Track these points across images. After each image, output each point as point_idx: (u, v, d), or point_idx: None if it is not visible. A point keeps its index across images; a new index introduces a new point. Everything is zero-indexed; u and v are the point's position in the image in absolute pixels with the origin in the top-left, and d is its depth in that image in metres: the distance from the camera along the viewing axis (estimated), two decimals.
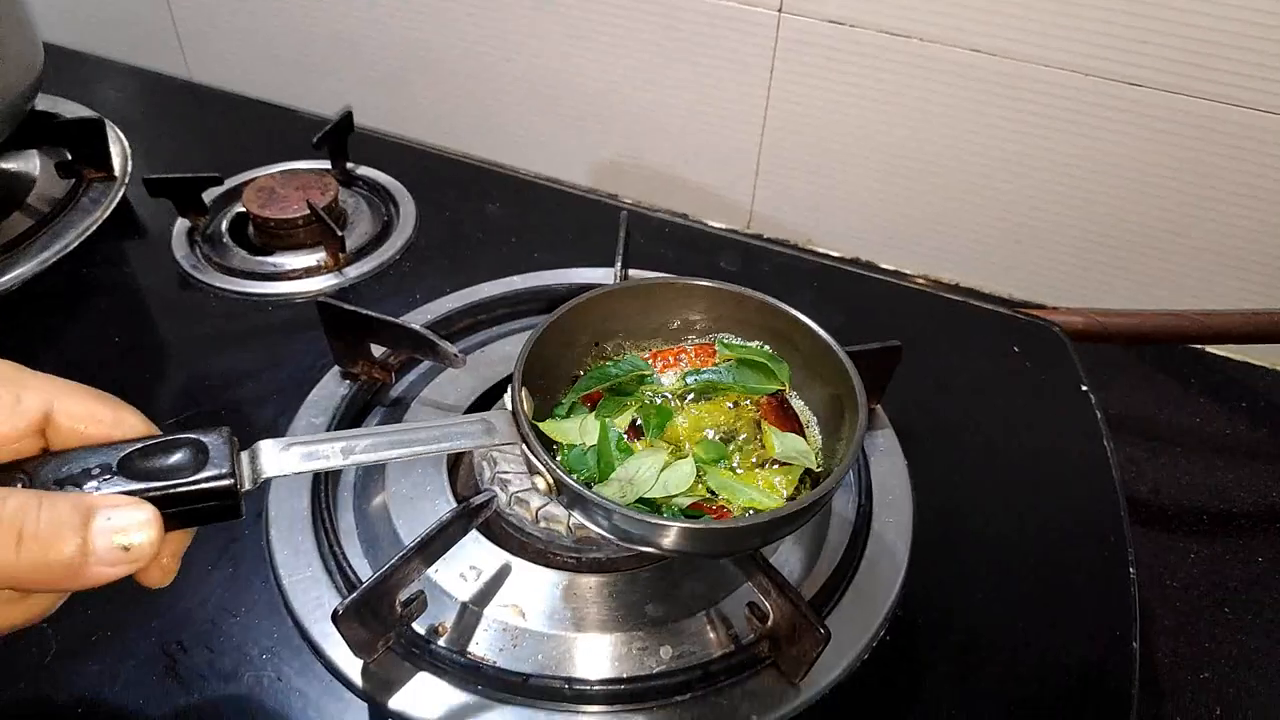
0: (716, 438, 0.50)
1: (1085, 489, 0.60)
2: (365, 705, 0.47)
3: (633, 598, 0.50)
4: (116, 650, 0.49)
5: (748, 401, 0.52)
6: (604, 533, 0.44)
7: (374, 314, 0.59)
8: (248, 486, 0.38)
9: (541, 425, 0.48)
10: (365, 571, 0.51)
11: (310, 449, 0.41)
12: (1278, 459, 0.77)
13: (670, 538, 0.42)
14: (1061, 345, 0.70)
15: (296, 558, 0.53)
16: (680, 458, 0.48)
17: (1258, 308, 0.74)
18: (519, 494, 0.55)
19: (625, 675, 0.47)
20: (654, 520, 0.42)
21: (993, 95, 0.80)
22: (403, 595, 0.47)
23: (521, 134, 1.03)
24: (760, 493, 0.47)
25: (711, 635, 0.49)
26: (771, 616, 0.47)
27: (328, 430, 0.59)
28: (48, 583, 0.32)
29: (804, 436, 0.51)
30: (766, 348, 0.54)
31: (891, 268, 0.94)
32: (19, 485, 0.34)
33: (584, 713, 0.47)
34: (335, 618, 0.44)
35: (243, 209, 0.76)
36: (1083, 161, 0.80)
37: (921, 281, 0.92)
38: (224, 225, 0.78)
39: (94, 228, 0.77)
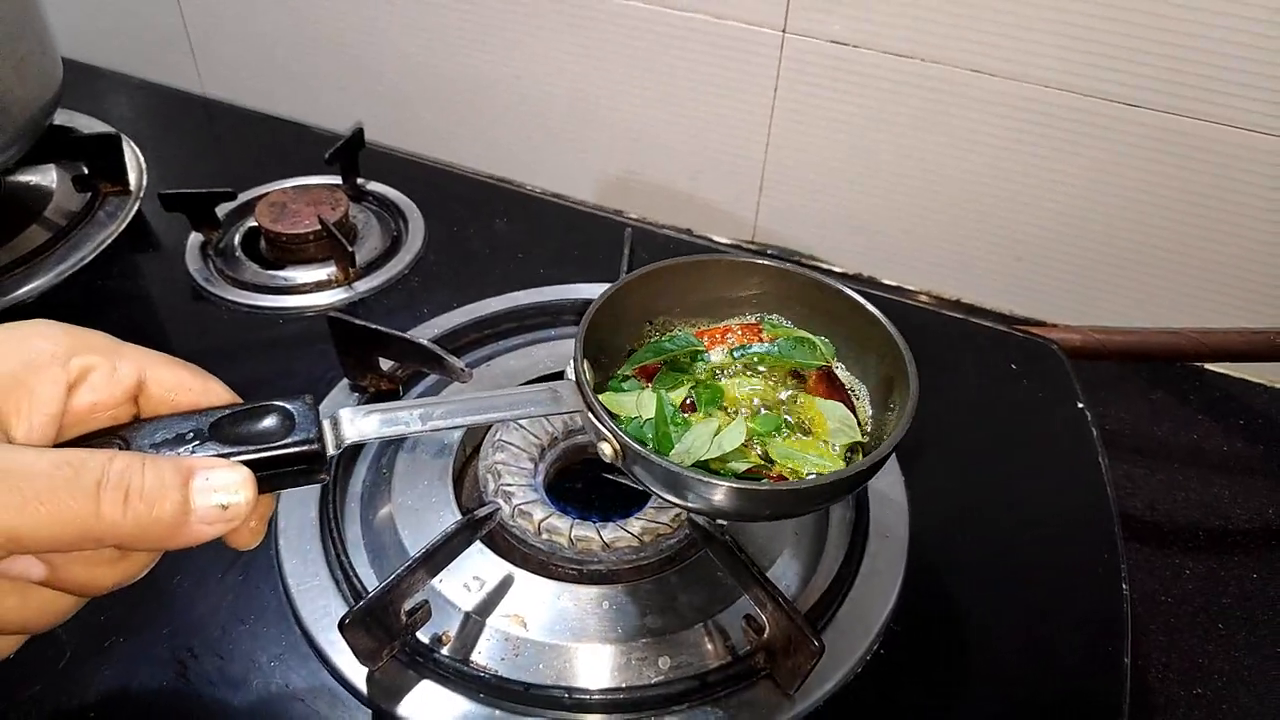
0: (765, 410, 0.51)
1: (1080, 506, 0.61)
2: (370, 712, 0.48)
3: (632, 609, 0.52)
4: (130, 655, 0.50)
5: (796, 375, 0.53)
6: (669, 496, 0.45)
7: (383, 328, 0.61)
8: (332, 451, 0.40)
9: (601, 398, 0.49)
10: (371, 581, 0.53)
11: (388, 415, 0.42)
12: (1275, 476, 0.77)
13: (731, 499, 0.44)
14: (1059, 363, 0.71)
15: (304, 567, 0.54)
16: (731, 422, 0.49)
17: (1255, 326, 0.75)
18: (522, 506, 0.56)
19: (624, 685, 0.48)
20: (714, 481, 0.43)
21: (992, 114, 0.81)
22: (408, 605, 0.49)
23: (529, 151, 1.05)
24: (820, 458, 0.48)
25: (709, 646, 0.50)
26: (768, 629, 0.48)
27: None
28: (150, 540, 0.33)
29: (854, 409, 0.52)
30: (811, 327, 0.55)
31: (894, 283, 0.95)
32: (117, 449, 0.35)
33: None
34: (341, 626, 0.46)
35: (255, 223, 0.77)
36: (1081, 180, 0.81)
37: (924, 298, 0.93)
38: (237, 239, 0.80)
39: (109, 241, 0.79)
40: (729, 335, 0.55)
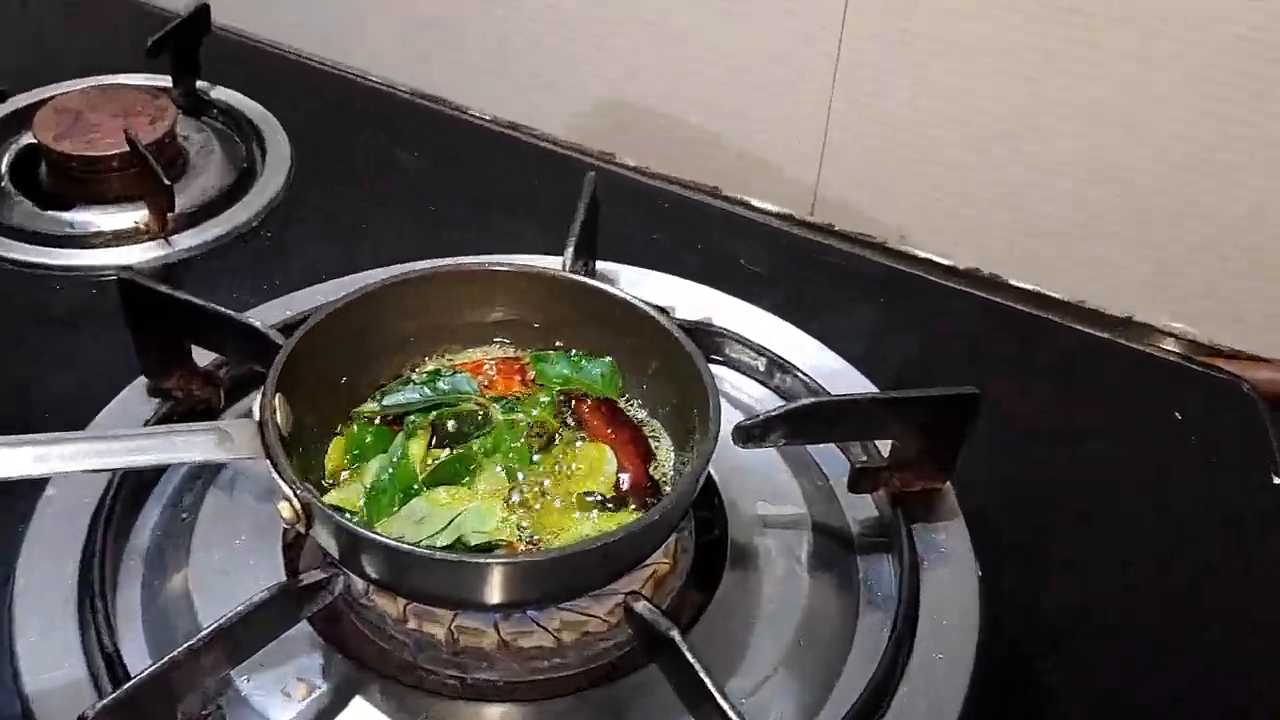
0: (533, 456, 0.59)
1: (1266, 641, 0.62)
2: None
3: None
4: None
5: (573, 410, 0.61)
6: (366, 573, 0.52)
7: (196, 301, 0.63)
8: None
9: (327, 498, 0.56)
10: None
11: None
12: None
13: (439, 578, 0.51)
14: (1252, 412, 0.72)
15: (48, 648, 0.56)
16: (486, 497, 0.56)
17: None
18: None
19: None
20: (419, 553, 0.50)
21: (1173, 45, 0.83)
22: (189, 706, 0.51)
23: (481, 59, 1.08)
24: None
25: None
26: None
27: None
28: None
29: (647, 447, 0.59)
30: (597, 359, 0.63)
31: (1025, 285, 0.97)
32: None
33: None
34: None
35: (34, 140, 0.81)
36: None
37: (1062, 307, 0.95)
38: (4, 163, 0.84)
39: None
40: (480, 374, 0.63)
